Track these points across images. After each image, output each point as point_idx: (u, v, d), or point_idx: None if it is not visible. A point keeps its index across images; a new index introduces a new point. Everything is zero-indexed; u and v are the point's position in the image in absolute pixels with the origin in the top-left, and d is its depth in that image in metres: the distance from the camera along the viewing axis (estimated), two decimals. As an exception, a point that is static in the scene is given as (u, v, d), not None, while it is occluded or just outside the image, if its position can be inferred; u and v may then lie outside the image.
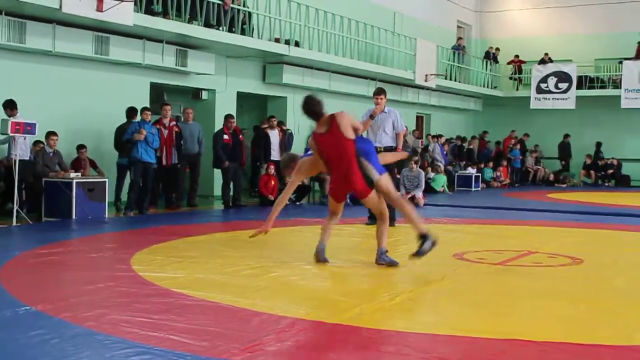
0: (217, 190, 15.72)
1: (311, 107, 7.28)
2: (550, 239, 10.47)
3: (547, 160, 27.78)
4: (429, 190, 19.04)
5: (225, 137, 14.65)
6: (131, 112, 13.89)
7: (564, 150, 27.33)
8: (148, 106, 13.97)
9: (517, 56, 29.04)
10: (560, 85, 26.91)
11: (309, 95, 7.40)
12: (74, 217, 11.60)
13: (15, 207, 10.91)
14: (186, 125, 14.67)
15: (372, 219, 11.61)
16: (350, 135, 7.18)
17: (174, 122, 14.05)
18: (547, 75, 27.18)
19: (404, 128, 12.12)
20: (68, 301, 5.58)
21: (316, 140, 7.34)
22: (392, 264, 7.40)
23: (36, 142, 12.37)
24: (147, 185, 13.08)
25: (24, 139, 11.53)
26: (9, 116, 11.40)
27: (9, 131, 10.78)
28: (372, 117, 10.85)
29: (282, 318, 5.18)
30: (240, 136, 15.07)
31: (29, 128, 11.01)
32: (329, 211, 7.80)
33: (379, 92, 11.53)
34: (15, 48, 12.68)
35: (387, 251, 7.47)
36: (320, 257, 7.53)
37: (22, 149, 11.49)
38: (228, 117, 14.96)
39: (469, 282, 7.05)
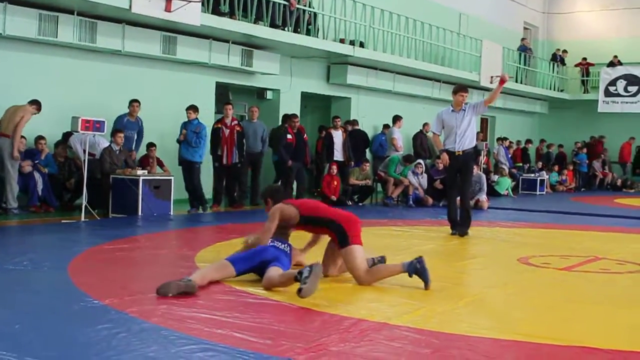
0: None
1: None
2: (618, 245, 10.24)
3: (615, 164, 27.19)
4: (493, 193, 18.83)
5: (289, 136, 14.71)
6: (284, 117, 15.10)
7: None
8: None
9: (584, 59, 28.46)
10: (629, 88, 26.32)
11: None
12: (139, 213, 11.76)
13: (84, 203, 11.13)
14: (250, 124, 14.76)
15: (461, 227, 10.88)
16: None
17: (235, 122, 14.03)
18: (616, 78, 26.63)
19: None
20: (134, 296, 5.66)
21: None
22: None
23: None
24: (194, 184, 13.11)
25: (94, 136, 11.78)
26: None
27: (79, 128, 11.03)
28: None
29: (345, 318, 5.18)
30: (305, 136, 15.11)
31: (97, 125, 11.23)
32: None
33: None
34: (86, 47, 12.95)
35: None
36: None
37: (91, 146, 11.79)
38: (292, 117, 15.02)
39: (534, 286, 6.96)
